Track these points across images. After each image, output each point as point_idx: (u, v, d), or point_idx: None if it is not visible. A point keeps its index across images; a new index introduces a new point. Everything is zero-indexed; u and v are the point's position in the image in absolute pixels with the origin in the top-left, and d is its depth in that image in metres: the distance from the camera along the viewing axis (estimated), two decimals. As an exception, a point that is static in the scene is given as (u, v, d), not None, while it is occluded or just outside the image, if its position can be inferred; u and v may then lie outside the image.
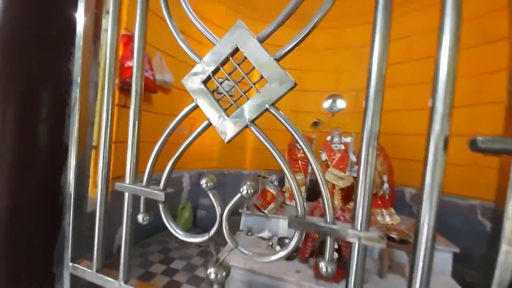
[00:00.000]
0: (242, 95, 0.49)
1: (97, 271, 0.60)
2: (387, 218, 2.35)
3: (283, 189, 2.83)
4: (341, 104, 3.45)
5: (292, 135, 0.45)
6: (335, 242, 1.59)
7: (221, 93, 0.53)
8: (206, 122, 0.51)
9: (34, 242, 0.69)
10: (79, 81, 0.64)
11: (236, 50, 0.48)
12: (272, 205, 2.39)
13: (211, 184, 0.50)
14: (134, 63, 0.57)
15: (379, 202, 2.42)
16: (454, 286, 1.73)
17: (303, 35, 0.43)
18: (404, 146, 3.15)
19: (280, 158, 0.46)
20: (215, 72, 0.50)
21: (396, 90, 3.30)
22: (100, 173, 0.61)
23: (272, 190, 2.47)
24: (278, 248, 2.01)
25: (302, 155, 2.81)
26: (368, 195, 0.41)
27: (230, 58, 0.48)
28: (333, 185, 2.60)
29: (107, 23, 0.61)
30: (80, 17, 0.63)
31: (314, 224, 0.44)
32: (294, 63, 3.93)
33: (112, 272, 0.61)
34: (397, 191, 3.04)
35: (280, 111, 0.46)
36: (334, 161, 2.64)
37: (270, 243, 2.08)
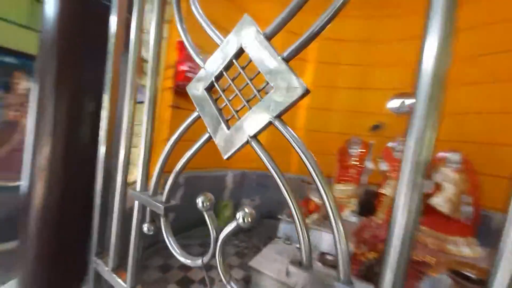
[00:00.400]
0: (245, 105, 0.41)
1: (112, 270, 0.63)
2: (464, 249, 1.87)
3: (330, 198, 2.60)
4: (411, 104, 2.95)
5: (297, 152, 0.35)
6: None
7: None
8: (206, 135, 0.45)
9: (74, 231, 0.78)
10: (108, 84, 0.68)
11: (242, 50, 0.40)
12: (315, 216, 2.22)
13: (208, 204, 0.45)
14: (148, 72, 0.56)
15: (455, 229, 1.95)
16: None
17: (320, 26, 0.33)
18: (503, 159, 2.46)
19: (281, 181, 0.37)
20: (218, 77, 0.44)
21: (493, 86, 2.61)
22: (120, 175, 0.63)
23: (316, 199, 2.29)
24: (319, 264, 1.85)
25: (354, 162, 2.51)
26: (404, 259, 0.29)
27: (234, 60, 0.41)
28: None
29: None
30: (113, 25, 0.67)
31: (321, 282, 0.33)
32: (355, 58, 3.56)
33: (125, 274, 0.62)
34: (483, 215, 2.40)
35: (287, 126, 0.37)
36: (397, 173, 2.26)
37: (309, 256, 1.93)
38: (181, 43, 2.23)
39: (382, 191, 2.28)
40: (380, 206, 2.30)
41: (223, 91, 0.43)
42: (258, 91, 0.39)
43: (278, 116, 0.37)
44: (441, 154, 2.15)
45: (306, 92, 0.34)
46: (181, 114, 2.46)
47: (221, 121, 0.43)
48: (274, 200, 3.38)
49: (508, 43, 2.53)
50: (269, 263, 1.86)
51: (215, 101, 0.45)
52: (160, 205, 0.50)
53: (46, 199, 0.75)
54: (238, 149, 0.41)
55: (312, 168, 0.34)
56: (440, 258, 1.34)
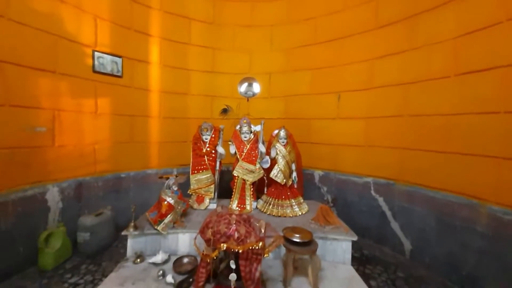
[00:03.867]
0: None
1: None
2: (296, 209, 2.15)
3: (188, 192, 2.28)
4: (256, 88, 3.06)
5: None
6: (233, 262, 1.02)
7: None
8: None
9: None
10: None
11: None
12: (168, 218, 1.83)
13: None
14: None
15: (288, 193, 2.20)
16: (353, 275, 1.64)
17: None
18: (312, 130, 3.04)
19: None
20: None
21: (307, 73, 3.09)
22: None
23: (168, 198, 1.89)
24: (169, 279, 1.50)
25: (208, 149, 2.29)
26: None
27: None
28: (244, 180, 2.22)
29: None
30: None
31: None
32: (205, 40, 3.23)
33: None
34: (307, 173, 2.96)
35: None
36: (244, 153, 2.24)
37: (160, 272, 1.55)
38: None
39: (234, 173, 2.22)
40: (234, 188, 2.24)
41: None
42: None
43: None
44: (274, 132, 2.31)
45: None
46: None
47: None
48: (137, 204, 2.67)
49: (312, 38, 3.03)
50: None
51: None
52: None
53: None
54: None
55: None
56: (276, 235, 1.33)
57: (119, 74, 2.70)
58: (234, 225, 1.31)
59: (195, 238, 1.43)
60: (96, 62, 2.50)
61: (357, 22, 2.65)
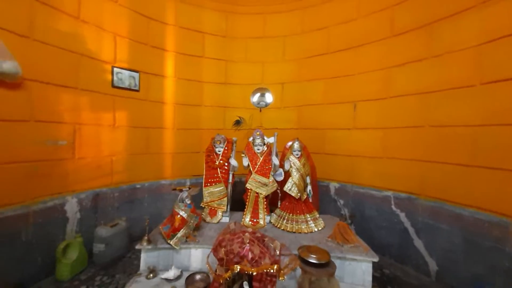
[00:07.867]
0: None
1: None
2: (312, 225, 2.06)
3: (201, 205, 2.26)
4: (269, 98, 3.03)
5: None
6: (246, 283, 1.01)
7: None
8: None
9: None
10: None
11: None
12: (181, 232, 1.81)
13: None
14: None
15: (303, 208, 2.11)
16: (375, 299, 1.52)
17: None
18: (327, 140, 2.95)
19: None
20: None
21: (317, 83, 3.04)
22: None
23: (181, 212, 1.87)
24: (182, 295, 1.47)
25: (221, 161, 2.27)
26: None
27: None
28: (258, 193, 2.17)
29: None
30: None
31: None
32: (218, 53, 3.28)
33: None
34: (322, 185, 2.86)
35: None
36: (257, 166, 2.20)
37: (173, 288, 1.52)
38: None
39: (247, 186, 2.17)
40: (247, 201, 2.20)
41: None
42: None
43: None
44: (288, 144, 2.25)
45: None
46: None
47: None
48: (150, 215, 2.68)
49: (325, 47, 2.99)
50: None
51: None
52: None
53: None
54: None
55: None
56: (291, 256, 1.26)
57: (136, 88, 2.78)
58: (247, 244, 1.26)
59: (208, 256, 1.39)
60: (115, 78, 2.59)
61: (372, 30, 2.59)
